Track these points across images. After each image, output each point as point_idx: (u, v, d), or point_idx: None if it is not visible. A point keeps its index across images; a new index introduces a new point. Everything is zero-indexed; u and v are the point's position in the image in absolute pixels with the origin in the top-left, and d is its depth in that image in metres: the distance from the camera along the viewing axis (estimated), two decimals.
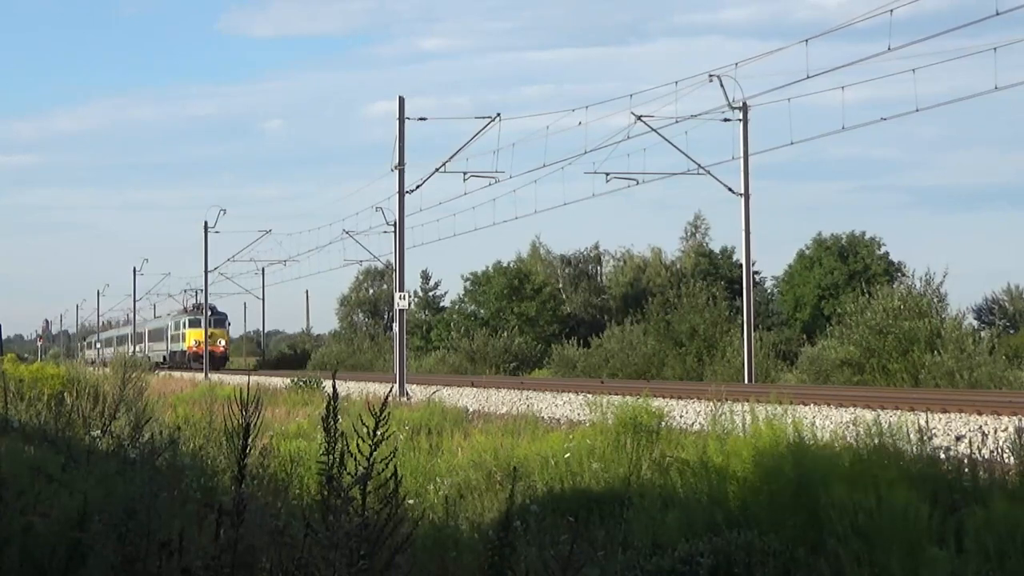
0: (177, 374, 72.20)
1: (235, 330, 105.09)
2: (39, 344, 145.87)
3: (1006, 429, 18.69)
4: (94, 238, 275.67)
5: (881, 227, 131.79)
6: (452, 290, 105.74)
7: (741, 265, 46.89)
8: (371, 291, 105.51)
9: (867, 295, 44.49)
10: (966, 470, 11.31)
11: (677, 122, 41.32)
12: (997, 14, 27.50)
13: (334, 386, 5.89)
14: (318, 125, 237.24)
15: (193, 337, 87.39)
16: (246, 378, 29.14)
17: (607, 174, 44.52)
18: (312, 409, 27.04)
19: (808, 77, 34.67)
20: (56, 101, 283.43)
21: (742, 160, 42.83)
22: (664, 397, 27.31)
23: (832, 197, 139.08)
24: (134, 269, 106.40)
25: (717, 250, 73.92)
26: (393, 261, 48.10)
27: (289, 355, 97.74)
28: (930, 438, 12.28)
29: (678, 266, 74.21)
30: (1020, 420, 20.09)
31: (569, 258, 79.86)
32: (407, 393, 38.13)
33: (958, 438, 14.20)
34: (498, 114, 41.97)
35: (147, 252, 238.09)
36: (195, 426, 17.15)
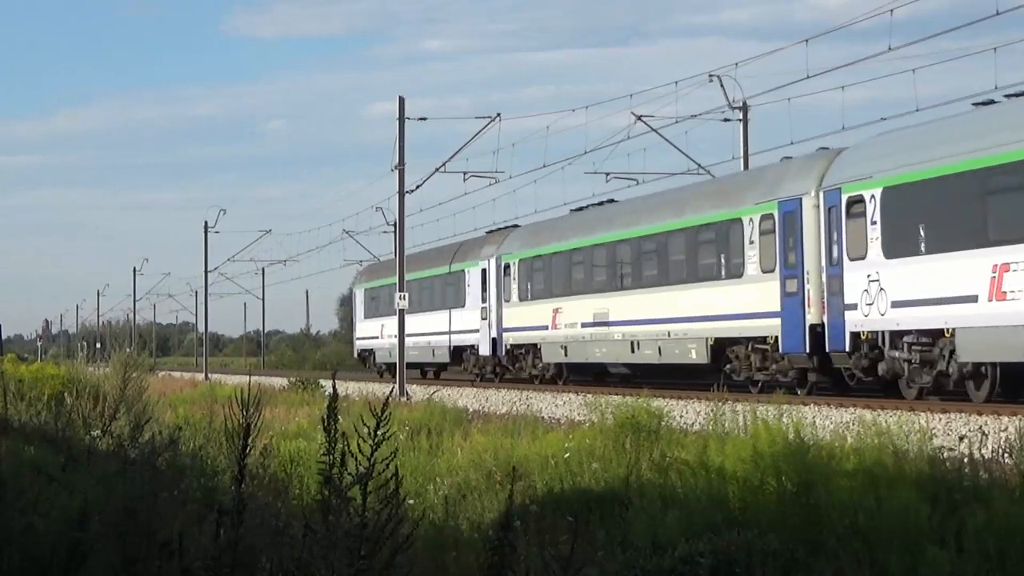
0: (177, 374, 70.90)
1: (235, 330, 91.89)
2: (39, 344, 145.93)
3: (1006, 429, 18.69)
4: (94, 238, 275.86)
5: None
6: None
7: None
8: None
9: None
10: (966, 470, 11.31)
11: (677, 122, 41.29)
12: (997, 14, 27.43)
13: (334, 386, 5.90)
14: (319, 125, 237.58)
15: None
16: (246, 378, 29.11)
17: (607, 174, 44.49)
18: (312, 409, 27.00)
19: (808, 77, 34.63)
20: (57, 101, 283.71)
21: (742, 160, 42.77)
22: (664, 397, 27.30)
23: None
24: (134, 269, 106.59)
25: None
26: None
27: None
28: (930, 438, 12.27)
29: None
30: (1020, 420, 20.10)
31: None
32: (407, 393, 38.11)
33: (959, 438, 14.21)
34: (498, 114, 41.65)
35: (147, 252, 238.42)
36: (195, 426, 17.13)
